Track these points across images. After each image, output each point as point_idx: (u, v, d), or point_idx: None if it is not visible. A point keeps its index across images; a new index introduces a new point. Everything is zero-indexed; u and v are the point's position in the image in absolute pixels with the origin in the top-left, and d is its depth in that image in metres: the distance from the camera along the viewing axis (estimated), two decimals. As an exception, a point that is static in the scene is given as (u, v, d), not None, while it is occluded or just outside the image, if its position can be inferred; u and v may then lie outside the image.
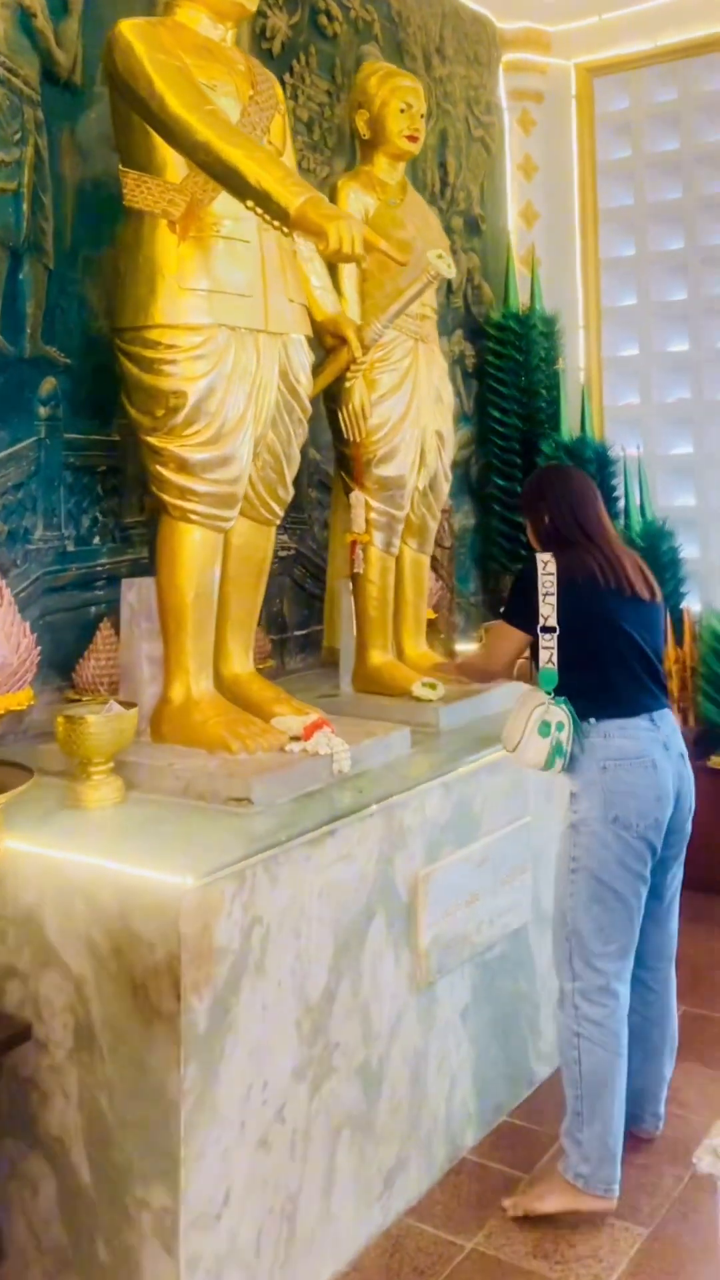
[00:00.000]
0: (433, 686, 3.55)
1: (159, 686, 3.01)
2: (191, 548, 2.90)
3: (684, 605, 5.29)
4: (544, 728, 2.86)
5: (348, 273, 3.53)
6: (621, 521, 5.43)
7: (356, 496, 3.59)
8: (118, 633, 3.33)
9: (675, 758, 3.00)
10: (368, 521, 3.58)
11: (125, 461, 3.53)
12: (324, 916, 2.63)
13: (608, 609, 2.94)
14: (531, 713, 2.88)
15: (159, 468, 2.88)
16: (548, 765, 2.89)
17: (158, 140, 2.80)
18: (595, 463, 5.49)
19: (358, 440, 3.54)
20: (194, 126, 2.67)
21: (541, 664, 2.93)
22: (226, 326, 2.83)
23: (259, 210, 2.67)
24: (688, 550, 5.52)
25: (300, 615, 4.28)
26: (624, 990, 2.94)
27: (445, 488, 3.83)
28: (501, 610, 3.14)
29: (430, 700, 3.51)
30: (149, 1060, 2.29)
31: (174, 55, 2.76)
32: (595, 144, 5.80)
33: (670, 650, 5.05)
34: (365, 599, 3.66)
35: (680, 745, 3.04)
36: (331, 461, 4.02)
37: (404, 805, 2.92)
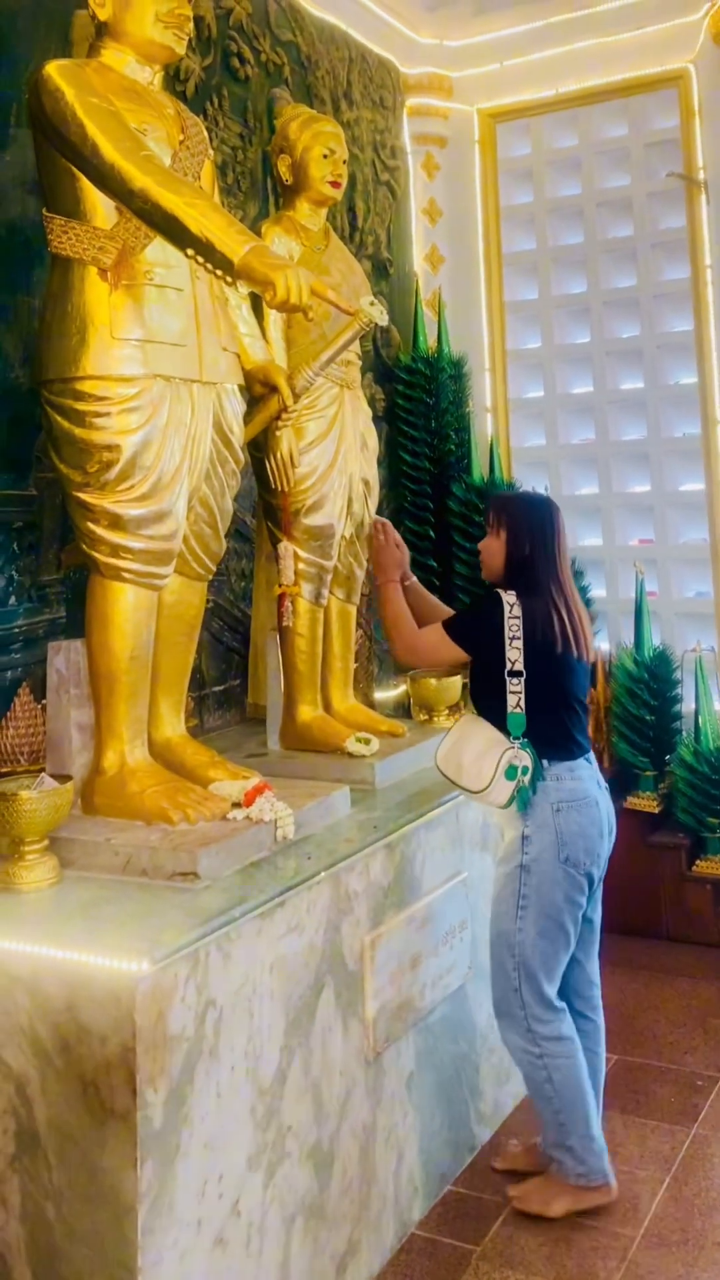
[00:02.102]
0: (365, 741, 3.47)
1: (89, 755, 2.86)
2: (125, 608, 2.76)
3: (595, 645, 5.32)
4: (510, 771, 2.96)
5: (273, 319, 3.45)
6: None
7: (285, 547, 3.49)
8: (37, 699, 3.17)
9: (605, 794, 3.16)
10: (296, 573, 3.49)
11: (42, 517, 3.37)
12: (275, 992, 2.53)
13: (564, 658, 3.04)
14: (501, 756, 2.96)
15: (90, 524, 2.74)
16: (509, 805, 2.99)
17: (86, 185, 2.69)
18: (505, 505, 5.50)
19: (286, 489, 3.45)
20: (130, 173, 2.57)
21: (510, 708, 3.01)
22: (161, 377, 2.72)
23: (200, 259, 2.58)
24: (595, 590, 5.58)
25: (219, 670, 4.15)
26: (566, 1013, 3.10)
27: (371, 536, 3.77)
28: (452, 623, 3.15)
29: (365, 756, 3.43)
30: (101, 1162, 2.15)
31: (105, 99, 2.66)
32: (498, 189, 5.85)
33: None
34: (294, 653, 3.56)
35: (603, 781, 3.19)
36: (248, 510, 3.93)
37: (349, 869, 2.83)
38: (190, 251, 2.59)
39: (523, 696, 2.98)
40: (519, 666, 2.98)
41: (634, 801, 4.98)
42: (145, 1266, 2.11)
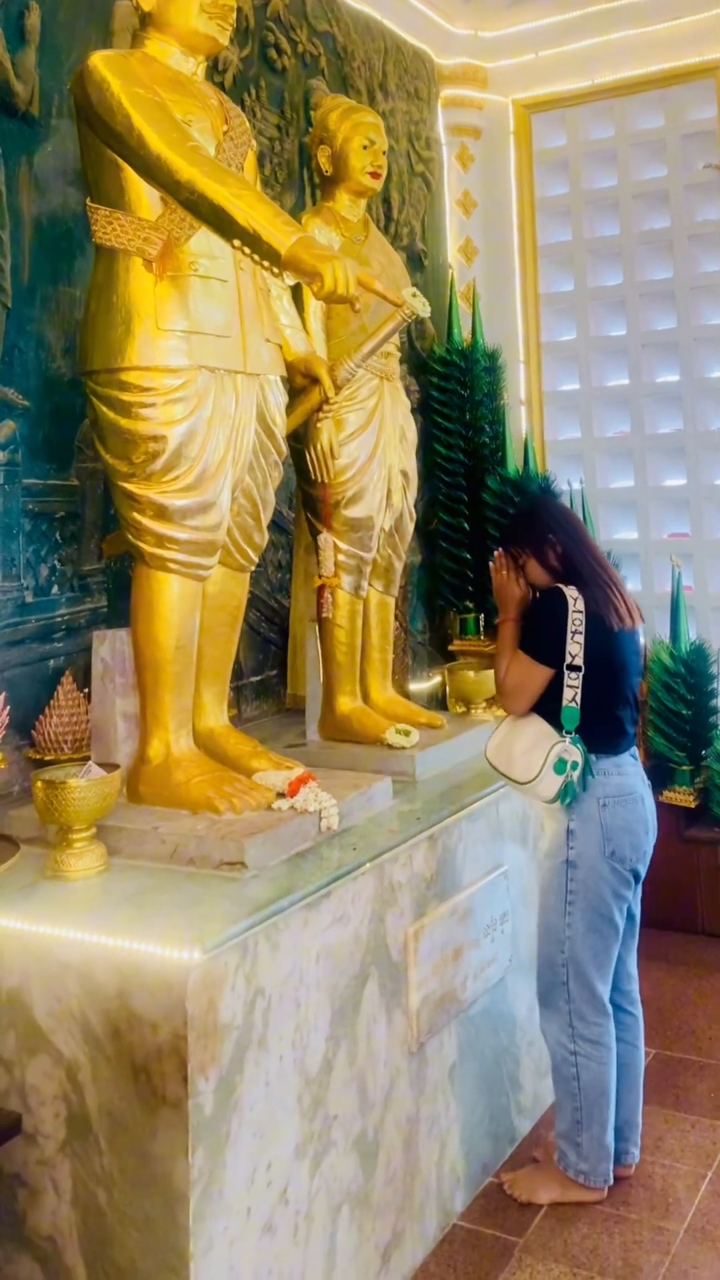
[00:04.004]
0: (405, 733, 3.47)
1: (134, 744, 2.87)
2: (170, 598, 2.77)
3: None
4: (560, 765, 2.95)
5: (313, 310, 3.45)
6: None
7: (325, 539, 3.49)
8: (80, 687, 3.18)
9: (649, 790, 3.15)
10: (336, 564, 3.49)
11: (84, 507, 3.39)
12: (321, 982, 2.53)
13: (620, 648, 3.02)
14: (551, 749, 2.95)
15: (136, 515, 2.75)
16: (559, 800, 2.98)
17: (131, 175, 2.69)
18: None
19: (326, 481, 3.45)
20: (177, 164, 2.57)
21: (565, 702, 2.98)
22: (205, 368, 2.72)
23: (247, 250, 2.57)
24: (631, 583, 5.52)
25: (255, 661, 4.16)
26: (609, 1011, 3.09)
27: (410, 527, 3.76)
28: (524, 644, 3.07)
29: (405, 748, 3.42)
30: (152, 1149, 2.15)
31: (151, 90, 2.66)
32: (533, 180, 5.82)
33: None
34: (333, 644, 3.56)
35: (646, 778, 3.18)
36: (284, 502, 3.93)
37: (393, 860, 2.83)
38: (237, 242, 2.58)
39: (579, 691, 2.96)
40: (578, 661, 2.96)
41: (670, 796, 4.95)
42: (197, 1252, 2.11)
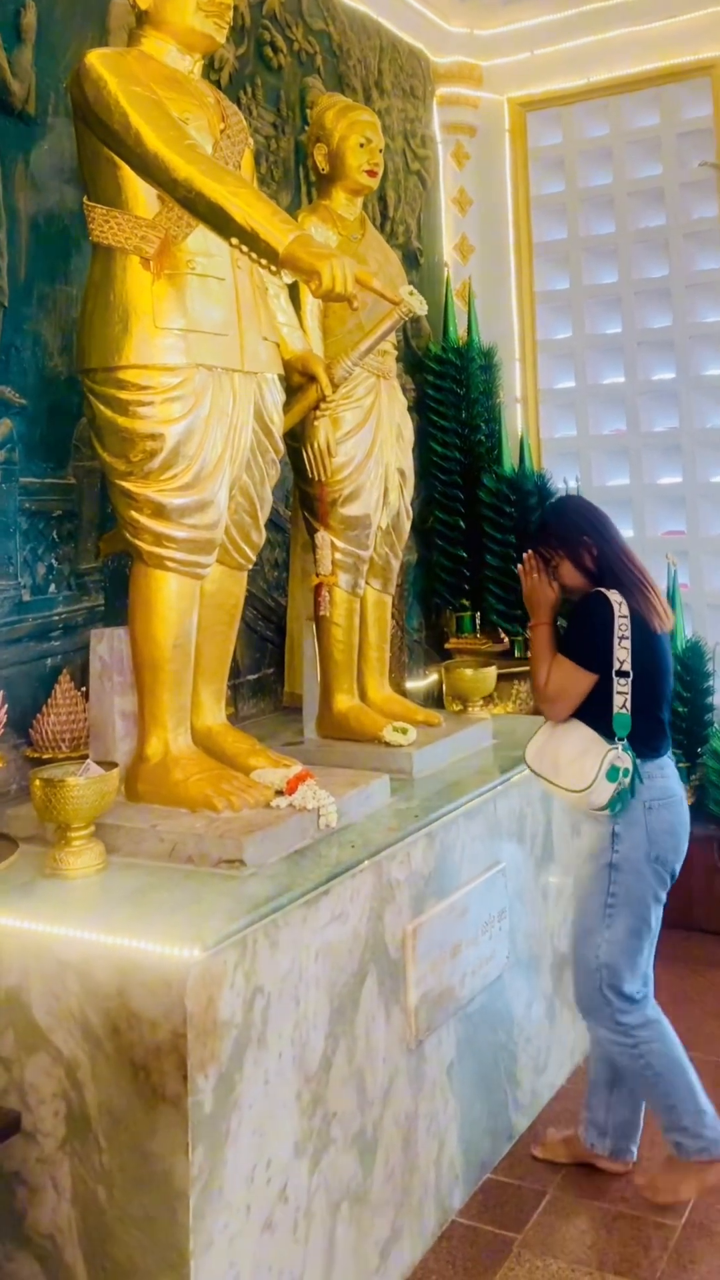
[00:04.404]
0: (403, 731, 3.47)
1: (132, 743, 2.87)
2: (168, 597, 2.77)
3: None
4: (613, 773, 2.90)
5: (310, 308, 3.45)
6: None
7: (322, 537, 3.50)
8: (77, 685, 3.19)
9: (684, 789, 3.15)
10: (334, 563, 3.49)
11: (81, 505, 3.39)
12: (320, 980, 2.53)
13: (661, 651, 3.01)
14: (604, 757, 2.91)
15: (134, 513, 2.75)
16: (609, 808, 2.95)
17: (128, 174, 2.69)
18: (536, 495, 5.49)
19: (323, 479, 3.45)
20: (174, 162, 2.57)
21: (616, 709, 2.94)
22: (203, 367, 2.72)
23: (245, 248, 2.57)
24: (626, 581, 5.55)
25: (253, 659, 4.16)
26: (651, 996, 3.10)
27: (407, 525, 3.76)
28: (568, 649, 3.02)
29: (402, 745, 3.43)
30: (152, 1147, 2.15)
31: (148, 88, 2.65)
32: (529, 178, 5.83)
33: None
34: (330, 642, 3.56)
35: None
36: (282, 500, 3.93)
37: (391, 858, 2.83)
38: (234, 240, 2.58)
39: (629, 697, 2.92)
40: (627, 667, 2.92)
41: (666, 792, 4.96)
42: (197, 1250, 2.12)
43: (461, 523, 5.41)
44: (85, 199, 2.79)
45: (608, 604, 2.95)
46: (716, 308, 5.43)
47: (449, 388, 5.45)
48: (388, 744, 3.45)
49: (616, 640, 2.91)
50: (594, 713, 2.98)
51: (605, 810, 2.95)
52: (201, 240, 2.72)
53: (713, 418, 5.48)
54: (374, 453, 3.55)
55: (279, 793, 2.78)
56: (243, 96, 4.15)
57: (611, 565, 3.02)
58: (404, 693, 4.32)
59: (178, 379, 2.69)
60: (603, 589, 2.99)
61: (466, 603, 5.44)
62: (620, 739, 2.93)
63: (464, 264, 5.81)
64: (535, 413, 5.88)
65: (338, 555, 3.52)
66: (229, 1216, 2.20)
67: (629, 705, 2.92)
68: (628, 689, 2.92)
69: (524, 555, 3.18)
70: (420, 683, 5.20)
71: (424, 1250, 2.89)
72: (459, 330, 5.57)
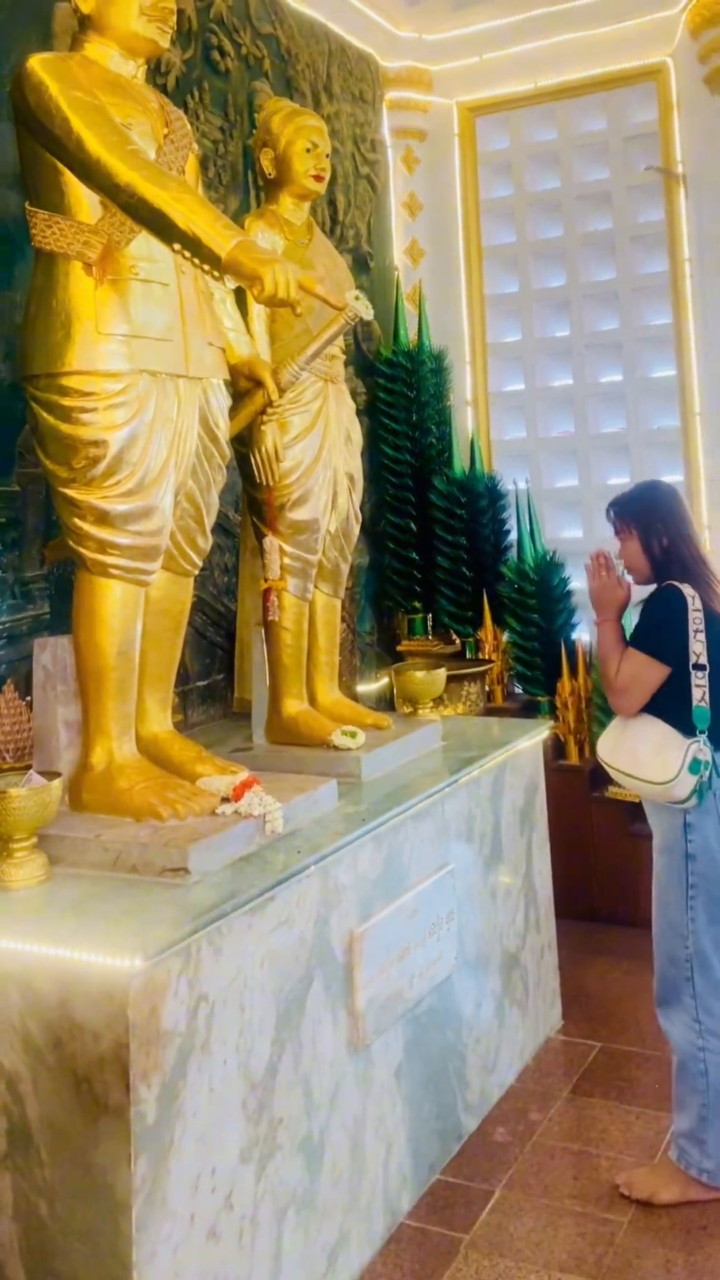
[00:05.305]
0: (351, 735, 3.48)
1: (76, 752, 2.86)
2: (112, 604, 2.76)
3: (575, 636, 5.36)
4: (695, 765, 2.93)
5: (256, 313, 3.45)
6: (513, 554, 5.48)
7: (270, 542, 3.49)
8: (22, 695, 3.16)
9: None
10: (282, 567, 3.49)
11: (25, 513, 3.37)
12: (266, 986, 2.53)
13: None
14: (687, 750, 2.94)
15: (77, 521, 2.73)
16: (695, 800, 2.97)
17: (70, 179, 2.67)
18: (487, 497, 5.53)
19: (271, 484, 3.45)
20: (116, 168, 2.56)
21: (695, 702, 2.97)
22: (147, 372, 2.72)
23: (188, 254, 2.57)
24: (576, 581, 5.59)
25: (202, 665, 4.15)
26: None
27: (356, 529, 3.77)
28: (642, 641, 3.05)
29: (351, 749, 3.43)
30: (94, 1159, 2.15)
31: (90, 93, 2.64)
32: (478, 182, 5.86)
33: (565, 682, 5.10)
34: (279, 647, 3.56)
35: None
36: (230, 505, 3.93)
37: (338, 862, 2.84)
38: (177, 246, 2.58)
39: (707, 690, 2.96)
40: (703, 660, 2.96)
41: (615, 791, 5.01)
42: (140, 1261, 2.11)
43: (413, 525, 5.44)
44: (27, 204, 2.77)
45: (681, 597, 2.98)
46: (663, 311, 5.49)
47: (400, 391, 5.47)
48: (336, 748, 3.45)
49: (691, 633, 2.96)
50: (667, 706, 3.01)
51: (687, 802, 2.97)
52: (145, 245, 2.71)
53: (660, 419, 5.54)
54: (322, 457, 3.55)
55: (225, 799, 2.78)
56: (190, 101, 4.14)
57: (681, 556, 3.06)
58: (355, 696, 4.33)
59: (121, 385, 2.68)
60: (674, 581, 3.03)
61: (418, 605, 5.46)
62: (701, 732, 2.97)
63: (414, 267, 5.83)
64: (485, 415, 5.91)
65: (286, 560, 3.52)
66: (172, 1226, 2.20)
67: (708, 698, 2.97)
68: (705, 682, 2.97)
69: (592, 555, 3.23)
70: (372, 686, 5.21)
71: (372, 1254, 2.90)
72: (409, 333, 5.60)
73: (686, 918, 3.04)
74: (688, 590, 2.99)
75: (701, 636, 2.96)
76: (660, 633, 3.01)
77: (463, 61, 5.74)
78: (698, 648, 2.96)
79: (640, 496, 3.22)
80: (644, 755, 3.00)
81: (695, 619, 2.96)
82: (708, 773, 2.95)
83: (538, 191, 5.78)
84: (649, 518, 3.11)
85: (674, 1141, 3.13)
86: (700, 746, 2.95)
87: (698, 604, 2.97)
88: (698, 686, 2.96)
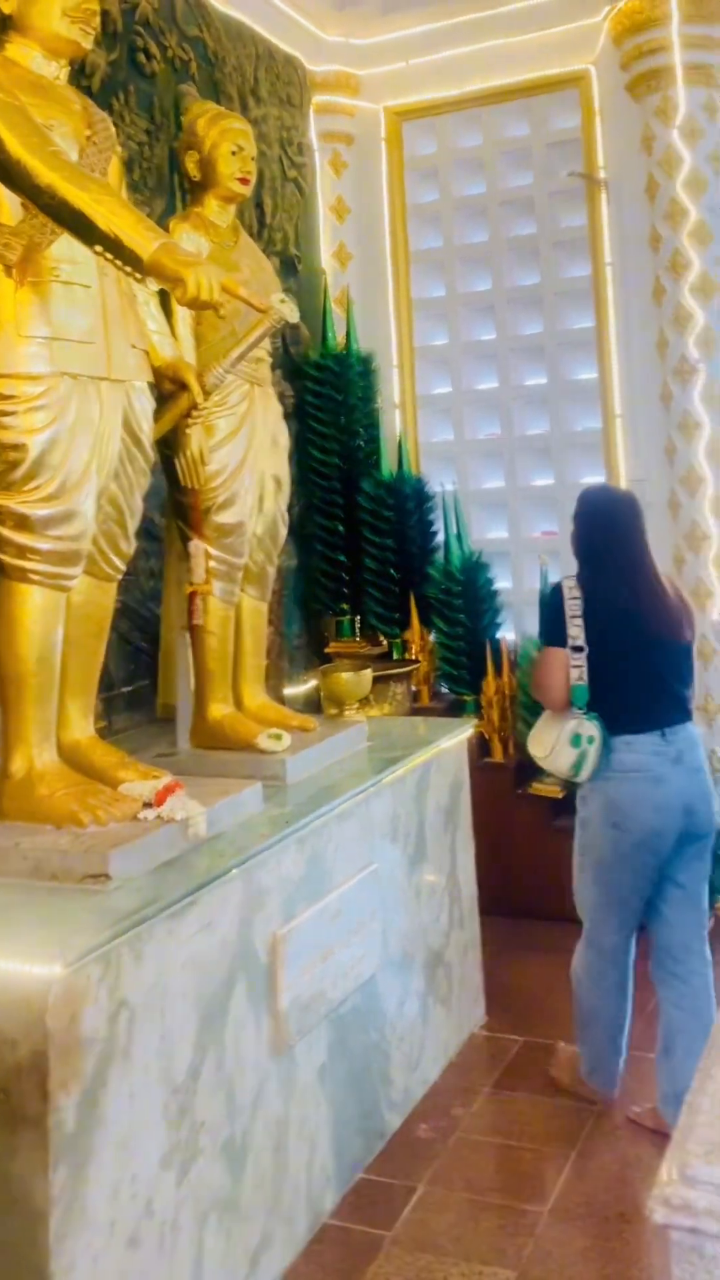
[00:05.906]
0: (277, 737, 3.49)
1: (-5, 760, 2.84)
2: (32, 610, 2.74)
3: (500, 635, 5.42)
4: (575, 739, 3.23)
5: (181, 316, 3.44)
6: (440, 555, 5.53)
7: (196, 545, 3.49)
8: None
9: (686, 771, 3.32)
10: (208, 571, 3.49)
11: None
12: (187, 991, 2.54)
13: (636, 635, 3.26)
14: (566, 724, 3.27)
15: (-4, 525, 2.71)
16: (574, 772, 3.27)
17: (-11, 181, 2.66)
18: (414, 499, 5.58)
19: (196, 487, 3.45)
20: (36, 169, 2.55)
21: (573, 680, 3.28)
22: (68, 375, 2.70)
23: (109, 256, 2.57)
24: (501, 581, 5.67)
25: (127, 671, 4.13)
26: (616, 955, 3.46)
27: (283, 532, 3.78)
28: (539, 635, 3.47)
29: (276, 752, 3.44)
30: (12, 1169, 2.14)
31: (11, 94, 2.62)
32: (405, 187, 5.90)
33: (490, 681, 5.16)
34: (205, 651, 3.56)
35: (697, 760, 3.34)
36: (156, 509, 3.91)
37: (261, 865, 2.85)
38: (99, 248, 2.58)
39: (584, 670, 3.23)
40: (580, 642, 3.24)
41: (537, 788, 5.07)
42: (58, 1272, 2.11)
43: (341, 527, 5.46)
44: (-54, 205, 2.74)
45: (557, 589, 3.33)
46: (585, 314, 5.57)
47: (328, 394, 5.49)
48: (262, 751, 3.46)
49: (568, 619, 3.26)
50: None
51: (578, 775, 3.28)
52: (67, 247, 2.70)
53: (583, 421, 5.62)
54: (248, 460, 3.55)
55: (147, 805, 2.78)
56: (115, 103, 4.12)
57: (595, 555, 3.36)
58: (283, 699, 4.34)
59: (41, 388, 2.67)
60: (568, 577, 3.39)
61: (346, 607, 5.49)
62: (578, 708, 3.24)
63: (342, 271, 5.85)
64: (413, 417, 5.95)
65: (212, 563, 3.51)
66: (92, 1235, 2.20)
67: (584, 677, 3.24)
68: (582, 662, 3.26)
69: None
70: (299, 688, 5.22)
71: (295, 1255, 2.92)
72: (337, 337, 5.61)
73: (577, 871, 3.47)
74: (567, 583, 3.33)
75: (579, 621, 3.26)
76: (542, 623, 3.49)
77: (389, 66, 5.77)
78: (574, 631, 3.28)
79: (588, 497, 3.56)
80: (535, 733, 3.37)
81: (572, 606, 3.29)
82: (592, 747, 3.21)
83: (463, 196, 5.83)
84: (582, 515, 3.47)
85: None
86: (581, 722, 3.24)
87: (575, 594, 3.29)
88: (574, 666, 3.27)
